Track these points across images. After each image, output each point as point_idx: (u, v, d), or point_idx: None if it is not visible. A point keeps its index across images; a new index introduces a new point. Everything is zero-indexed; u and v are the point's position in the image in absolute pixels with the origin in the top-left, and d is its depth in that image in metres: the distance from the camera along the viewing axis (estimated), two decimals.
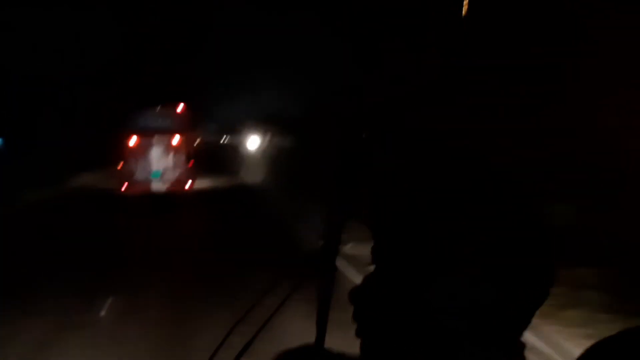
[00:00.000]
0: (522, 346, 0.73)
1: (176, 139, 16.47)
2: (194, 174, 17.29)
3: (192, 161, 16.80)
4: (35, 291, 6.98)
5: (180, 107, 17.16)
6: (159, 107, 17.02)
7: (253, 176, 24.29)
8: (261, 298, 0.96)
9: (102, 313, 6.40)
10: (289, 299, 0.89)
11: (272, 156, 26.55)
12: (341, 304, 0.80)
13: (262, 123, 33.83)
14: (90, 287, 7.26)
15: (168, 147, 16.45)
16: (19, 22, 14.93)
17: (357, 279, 5.68)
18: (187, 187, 16.64)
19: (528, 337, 0.76)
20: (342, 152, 0.80)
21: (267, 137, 33.10)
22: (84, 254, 8.94)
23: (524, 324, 0.72)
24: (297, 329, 3.42)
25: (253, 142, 35.30)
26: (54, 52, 18.07)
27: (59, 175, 21.01)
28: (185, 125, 17.10)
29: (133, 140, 16.13)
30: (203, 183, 21.17)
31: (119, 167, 16.30)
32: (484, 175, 0.68)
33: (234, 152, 38.98)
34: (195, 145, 19.14)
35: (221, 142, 56.40)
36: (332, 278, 0.80)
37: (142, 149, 16.21)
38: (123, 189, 16.09)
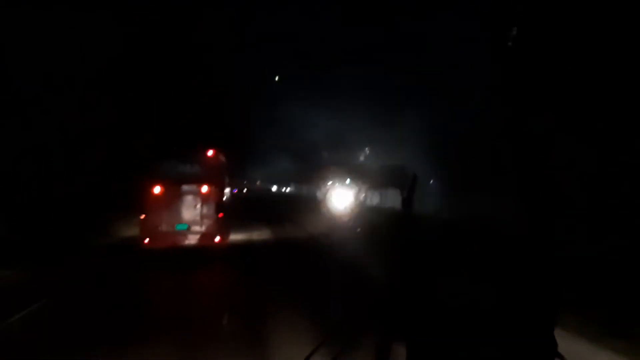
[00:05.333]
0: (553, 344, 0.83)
1: (205, 188, 14.90)
2: (225, 226, 15.58)
3: (221, 213, 15.11)
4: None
5: (210, 152, 15.61)
6: (186, 152, 15.50)
7: (311, 228, 22.36)
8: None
9: None
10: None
11: (341, 211, 24.61)
12: None
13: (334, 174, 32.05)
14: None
15: (196, 196, 14.90)
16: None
17: None
18: (216, 240, 14.94)
19: None
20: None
21: (347, 190, 31.15)
22: None
23: (541, 324, 0.82)
24: None
25: (327, 194, 33.56)
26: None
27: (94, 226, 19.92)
28: (215, 173, 15.50)
29: (157, 189, 14.69)
30: (244, 235, 19.55)
31: (141, 218, 14.79)
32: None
33: (291, 202, 37.53)
34: (229, 194, 17.59)
35: (279, 191, 55.18)
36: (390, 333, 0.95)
37: (167, 199, 14.69)
38: (146, 242, 14.57)
